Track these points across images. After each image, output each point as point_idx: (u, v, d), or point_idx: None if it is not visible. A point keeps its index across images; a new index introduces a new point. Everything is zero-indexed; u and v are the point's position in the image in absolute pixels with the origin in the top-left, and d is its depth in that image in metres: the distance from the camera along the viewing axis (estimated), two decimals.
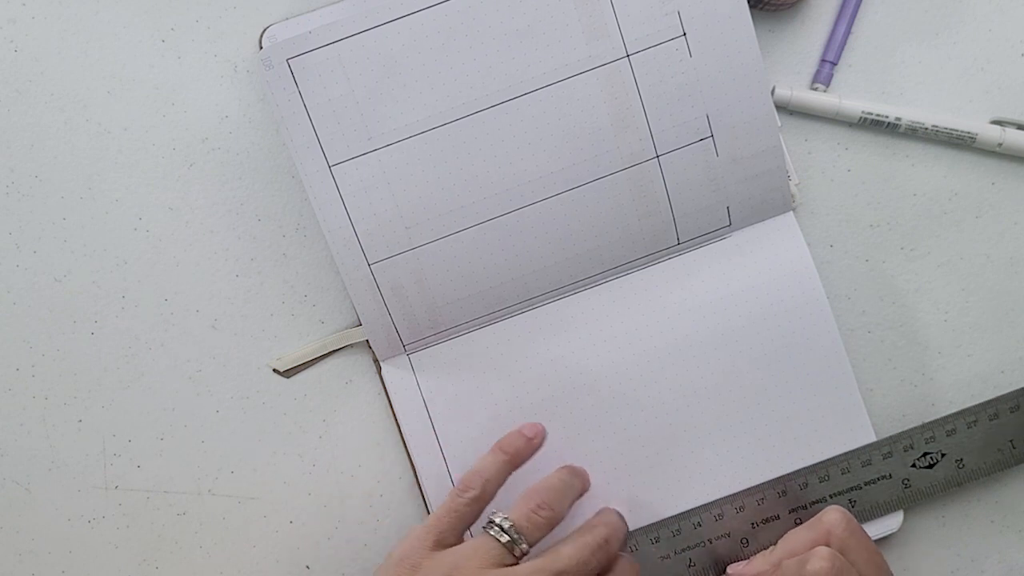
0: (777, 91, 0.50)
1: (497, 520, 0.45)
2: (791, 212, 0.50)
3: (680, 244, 0.50)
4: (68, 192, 0.50)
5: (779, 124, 0.50)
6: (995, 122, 0.51)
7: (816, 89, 0.51)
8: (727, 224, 0.50)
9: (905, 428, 0.50)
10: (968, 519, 0.51)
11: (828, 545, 0.44)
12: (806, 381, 0.50)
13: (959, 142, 0.51)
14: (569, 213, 0.48)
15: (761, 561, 0.47)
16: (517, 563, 0.44)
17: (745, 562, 0.48)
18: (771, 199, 0.50)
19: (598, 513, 0.48)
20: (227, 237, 0.50)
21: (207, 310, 0.50)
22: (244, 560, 0.51)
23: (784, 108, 0.50)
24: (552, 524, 0.46)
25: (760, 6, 0.49)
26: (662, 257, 0.50)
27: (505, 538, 0.44)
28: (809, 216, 0.51)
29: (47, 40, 0.49)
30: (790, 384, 0.50)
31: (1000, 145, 0.50)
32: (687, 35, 0.47)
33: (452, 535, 0.45)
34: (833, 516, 0.45)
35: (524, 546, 0.44)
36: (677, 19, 0.47)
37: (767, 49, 0.51)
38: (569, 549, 0.45)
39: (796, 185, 0.50)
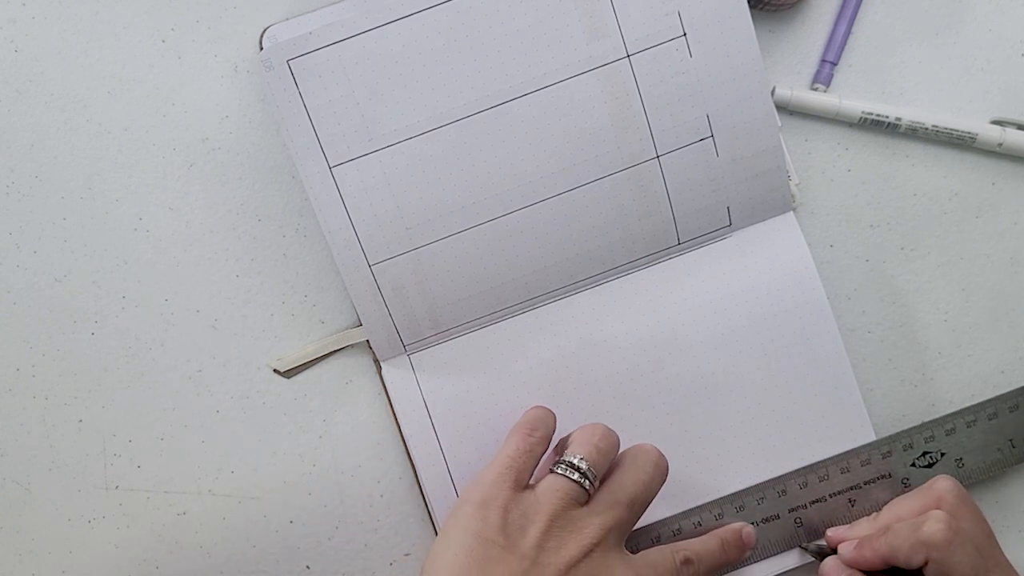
0: (777, 91, 0.50)
1: (568, 459, 0.45)
2: (791, 212, 0.50)
3: (680, 244, 0.50)
4: (68, 192, 0.50)
5: (779, 124, 0.50)
6: (995, 122, 0.51)
7: (816, 89, 0.51)
8: (727, 224, 0.50)
9: (905, 428, 0.50)
10: None
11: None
12: (806, 381, 0.50)
13: (959, 142, 0.51)
14: (569, 214, 0.48)
15: (865, 525, 0.48)
16: (589, 499, 0.45)
17: (847, 526, 0.48)
18: (771, 199, 0.50)
19: (631, 447, 0.48)
20: (227, 237, 0.50)
21: (207, 310, 0.50)
22: (244, 560, 0.51)
23: (784, 108, 0.50)
24: (614, 453, 0.46)
25: (760, 6, 0.49)
26: (662, 257, 0.50)
27: (577, 475, 0.45)
28: (809, 216, 0.51)
29: (47, 40, 0.49)
30: (790, 384, 0.50)
31: (1000, 145, 0.50)
32: (687, 35, 0.47)
33: (527, 475, 0.46)
34: (944, 483, 0.46)
35: (596, 480, 0.45)
36: (677, 19, 0.47)
37: (767, 49, 0.51)
38: (629, 475, 0.46)
39: (796, 185, 0.50)
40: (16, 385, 0.50)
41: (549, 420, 0.48)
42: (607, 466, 0.46)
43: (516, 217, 0.48)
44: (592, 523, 0.44)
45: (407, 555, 0.51)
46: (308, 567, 0.51)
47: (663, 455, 0.47)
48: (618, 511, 0.45)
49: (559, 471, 0.45)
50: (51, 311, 0.50)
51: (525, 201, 0.48)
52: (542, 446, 0.47)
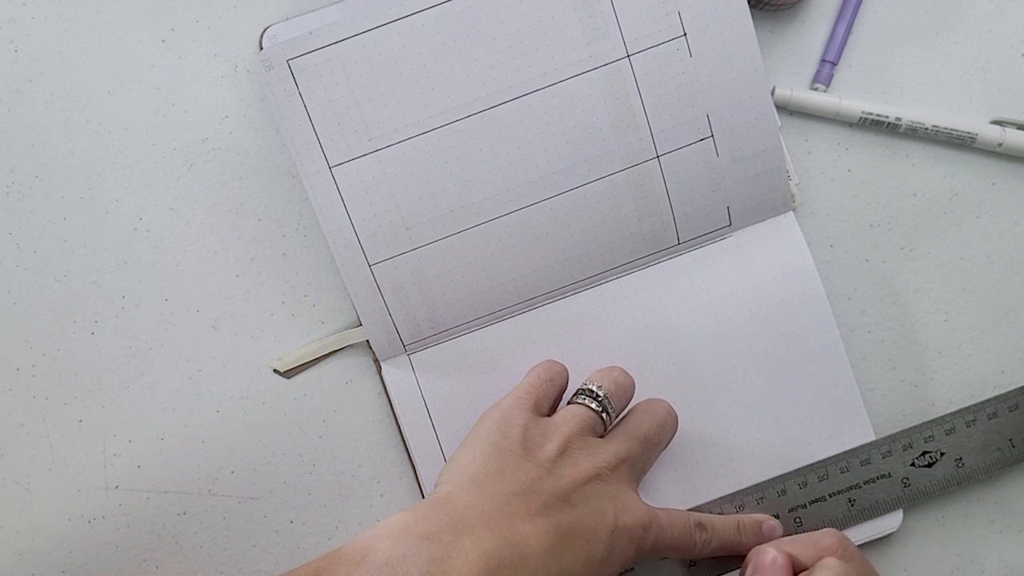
0: (777, 91, 0.50)
1: (589, 387, 0.47)
2: (791, 212, 0.50)
3: (680, 244, 0.50)
4: (68, 192, 0.50)
5: (779, 124, 0.50)
6: (995, 122, 0.51)
7: (816, 89, 0.51)
8: (727, 224, 0.50)
9: (905, 428, 0.50)
10: (968, 519, 0.51)
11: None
12: (806, 381, 0.50)
13: (959, 142, 0.51)
14: (570, 213, 0.48)
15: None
16: (605, 432, 0.46)
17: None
18: (771, 199, 0.50)
19: (644, 399, 0.49)
20: (227, 237, 0.50)
21: (207, 310, 0.50)
22: (244, 560, 0.51)
23: (784, 108, 0.50)
24: (630, 395, 0.48)
25: (760, 6, 0.49)
26: (662, 257, 0.50)
27: (596, 405, 0.46)
28: (809, 216, 0.51)
29: (47, 40, 0.49)
30: (790, 384, 0.50)
31: (1000, 145, 0.50)
32: (687, 35, 0.47)
33: (546, 403, 0.47)
34: (830, 540, 0.45)
35: (612, 412, 0.47)
36: (678, 19, 0.47)
37: (767, 49, 0.51)
38: (644, 416, 0.47)
39: (796, 185, 0.50)
40: (16, 385, 0.50)
41: (564, 369, 0.49)
42: (623, 403, 0.47)
43: (516, 217, 0.48)
44: (608, 449, 0.45)
45: None
46: None
47: (671, 408, 0.48)
48: (632, 444, 0.46)
49: (578, 400, 0.46)
50: (51, 311, 0.50)
51: (525, 201, 0.48)
52: (563, 377, 0.48)
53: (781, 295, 0.50)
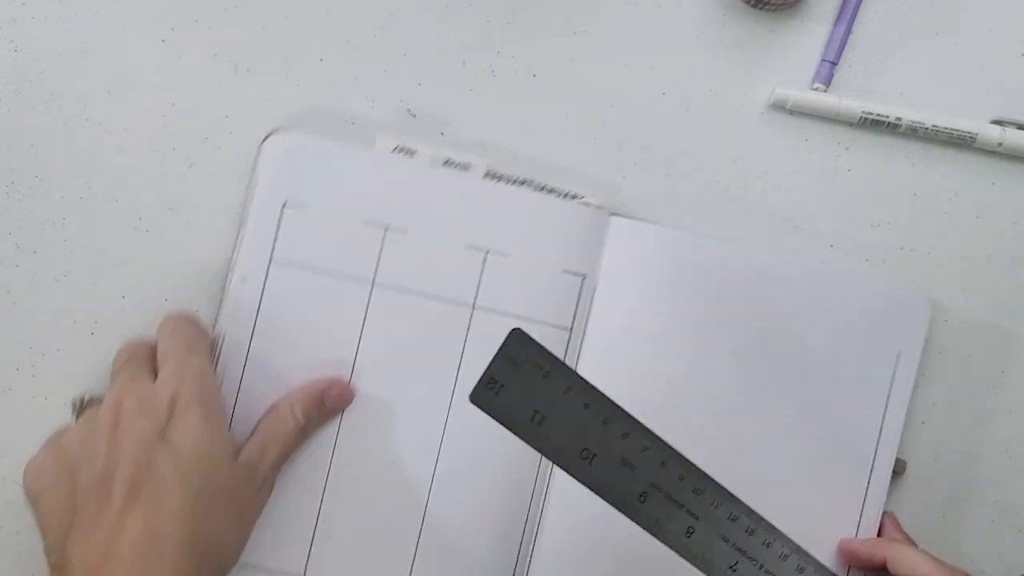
0: (777, 91, 0.50)
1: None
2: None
3: None
4: (68, 192, 0.49)
5: None
6: (995, 122, 0.51)
7: (816, 89, 0.51)
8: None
9: (905, 427, 0.50)
10: (968, 519, 0.51)
11: None
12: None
13: (959, 142, 0.51)
14: None
15: None
16: None
17: None
18: None
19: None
20: (227, 237, 0.50)
21: (207, 311, 0.50)
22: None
23: (784, 108, 0.50)
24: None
25: (760, 6, 0.49)
26: None
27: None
28: (810, 216, 0.51)
29: (47, 40, 0.49)
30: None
31: (1000, 145, 0.50)
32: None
33: None
34: None
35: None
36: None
37: (767, 49, 0.50)
38: None
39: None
40: (16, 385, 0.50)
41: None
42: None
43: None
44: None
45: None
46: None
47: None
48: None
49: None
50: (51, 311, 0.50)
51: None
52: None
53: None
